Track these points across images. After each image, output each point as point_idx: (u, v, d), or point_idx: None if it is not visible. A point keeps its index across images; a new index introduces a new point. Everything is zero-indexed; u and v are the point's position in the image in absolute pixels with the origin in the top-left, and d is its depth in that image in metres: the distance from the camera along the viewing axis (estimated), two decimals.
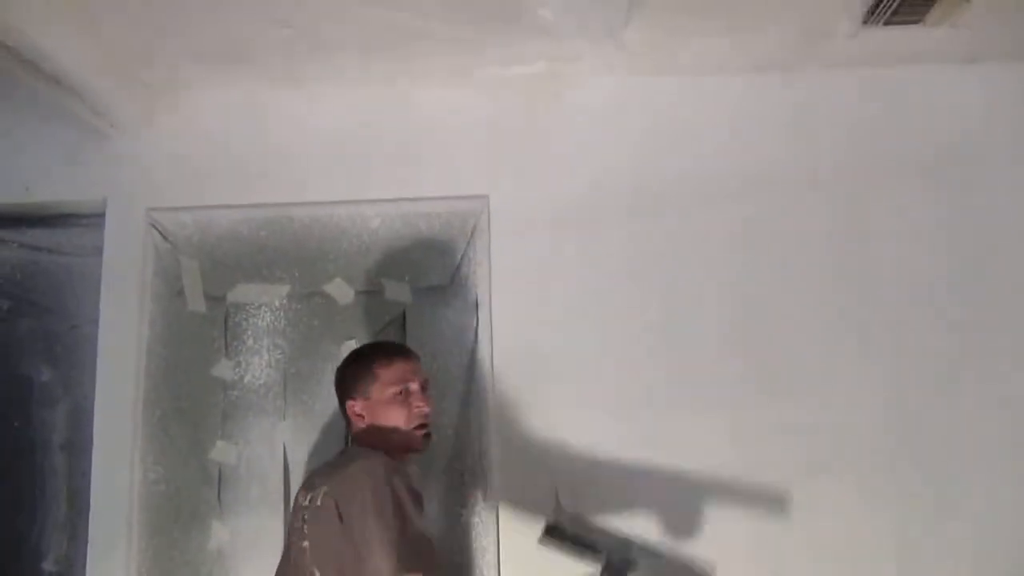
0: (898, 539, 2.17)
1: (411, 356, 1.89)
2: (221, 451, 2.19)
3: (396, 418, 1.80)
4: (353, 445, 1.89)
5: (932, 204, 2.34)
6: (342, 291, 2.28)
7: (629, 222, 2.32)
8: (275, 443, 2.21)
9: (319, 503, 1.65)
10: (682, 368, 2.24)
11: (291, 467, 2.20)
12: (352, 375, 1.87)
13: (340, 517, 1.60)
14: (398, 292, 2.28)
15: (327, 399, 2.22)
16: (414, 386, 1.83)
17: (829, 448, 2.21)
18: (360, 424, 1.84)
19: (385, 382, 1.81)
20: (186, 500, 2.17)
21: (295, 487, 2.18)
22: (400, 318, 2.28)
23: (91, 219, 2.35)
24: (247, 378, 2.24)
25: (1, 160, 2.37)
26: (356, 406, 1.84)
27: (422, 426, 1.81)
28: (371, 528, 1.56)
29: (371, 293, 2.29)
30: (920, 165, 2.35)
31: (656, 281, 2.29)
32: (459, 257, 2.31)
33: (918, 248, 2.32)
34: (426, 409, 1.82)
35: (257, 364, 2.25)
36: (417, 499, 1.66)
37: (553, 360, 2.23)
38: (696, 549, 2.15)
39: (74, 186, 2.35)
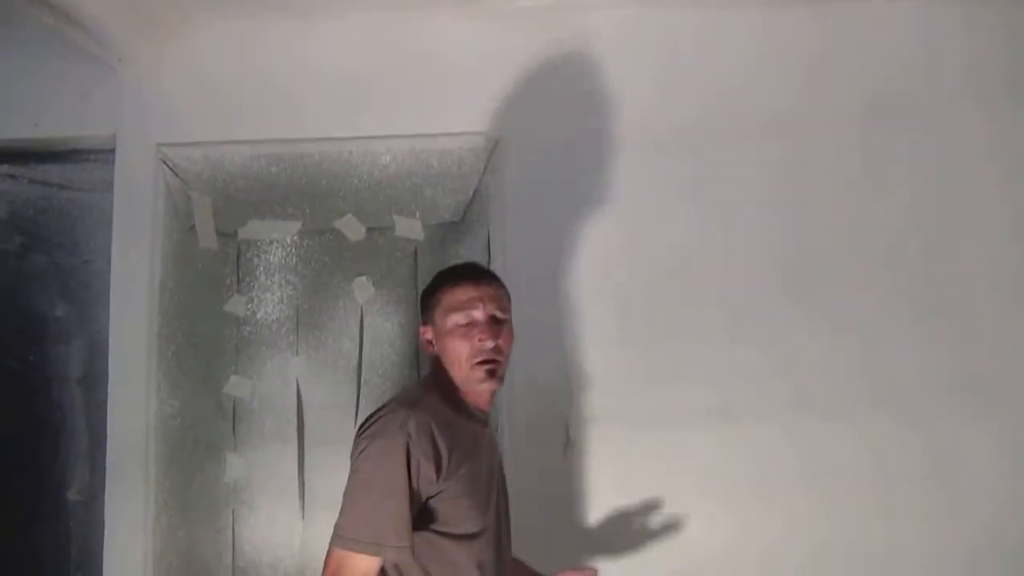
0: (941, 471, 2.19)
1: (483, 280, 1.65)
2: (235, 386, 2.22)
3: (456, 351, 1.60)
4: (427, 376, 1.73)
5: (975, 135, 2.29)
6: (353, 228, 2.27)
7: (643, 158, 2.28)
8: (288, 378, 2.23)
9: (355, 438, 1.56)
10: (695, 301, 2.24)
11: (304, 402, 2.22)
12: (424, 298, 1.70)
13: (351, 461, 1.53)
14: (409, 229, 2.27)
15: (339, 335, 2.24)
16: (478, 315, 1.60)
17: (872, 383, 2.21)
18: (432, 353, 1.67)
19: (447, 308, 1.62)
20: (202, 433, 2.21)
21: (308, 421, 2.21)
22: (412, 255, 2.27)
23: (101, 154, 2.34)
24: (259, 314, 2.25)
25: (10, 95, 2.34)
26: (427, 333, 1.68)
27: (485, 362, 1.58)
28: (357, 485, 1.49)
29: (382, 230, 2.28)
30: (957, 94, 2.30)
31: (674, 218, 2.26)
32: (471, 193, 2.28)
33: (961, 181, 2.28)
34: (489, 344, 1.58)
35: (269, 300, 2.26)
36: (457, 457, 1.51)
37: (565, 296, 2.22)
38: (736, 478, 2.18)
39: (83, 121, 2.32)
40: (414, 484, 1.46)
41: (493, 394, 1.69)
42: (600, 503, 2.17)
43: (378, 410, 1.57)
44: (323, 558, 2.14)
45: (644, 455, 2.18)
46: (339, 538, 1.45)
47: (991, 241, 2.26)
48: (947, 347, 2.23)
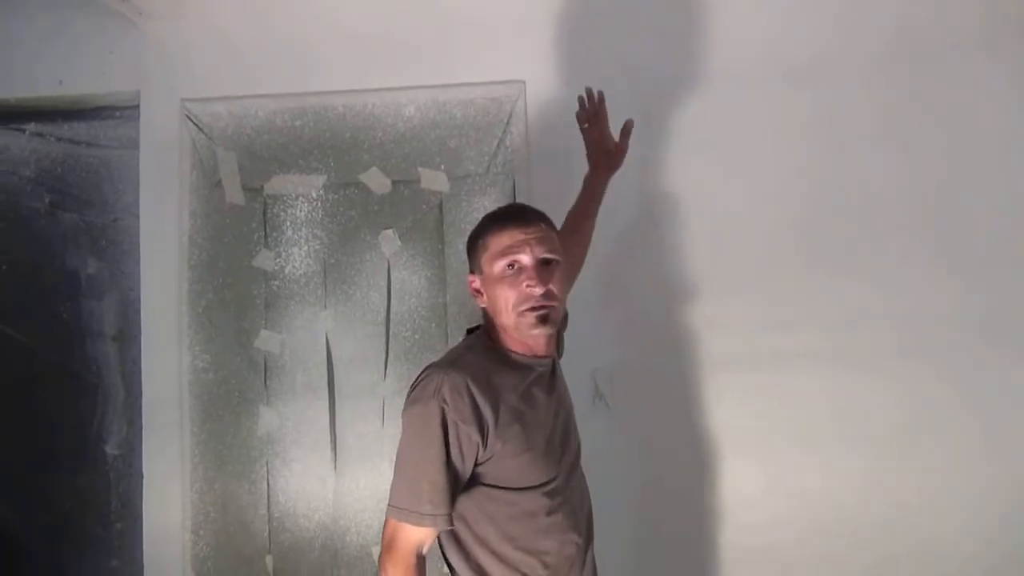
0: (984, 422, 2.16)
1: (530, 222, 1.53)
2: (265, 340, 2.23)
3: (504, 299, 1.50)
4: (477, 329, 1.64)
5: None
6: (378, 181, 2.26)
7: (665, 105, 2.24)
8: (317, 332, 2.24)
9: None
10: (724, 251, 2.21)
11: (334, 355, 2.23)
12: (469, 245, 1.60)
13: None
14: (434, 181, 2.25)
15: (366, 288, 2.24)
16: (525, 259, 1.49)
17: (914, 332, 2.18)
18: (481, 303, 1.57)
19: (493, 254, 1.51)
20: (234, 387, 2.23)
21: (338, 375, 2.23)
22: (437, 207, 2.26)
23: (126, 111, 2.35)
24: (287, 268, 2.26)
25: (35, 53, 2.34)
26: (474, 282, 1.58)
27: (534, 309, 1.48)
28: (400, 454, 1.46)
29: (407, 182, 2.26)
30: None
31: (700, 168, 2.22)
32: (495, 144, 2.25)
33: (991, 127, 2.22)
34: (538, 290, 1.47)
35: (297, 255, 2.26)
36: (506, 415, 1.45)
37: (591, 246, 2.20)
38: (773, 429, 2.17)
39: (107, 78, 2.32)
40: (454, 451, 1.42)
41: (551, 337, 1.58)
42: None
43: (420, 373, 1.51)
44: (356, 507, 2.20)
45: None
46: (390, 507, 1.44)
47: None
48: (980, 295, 2.18)
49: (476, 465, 1.46)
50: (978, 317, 2.18)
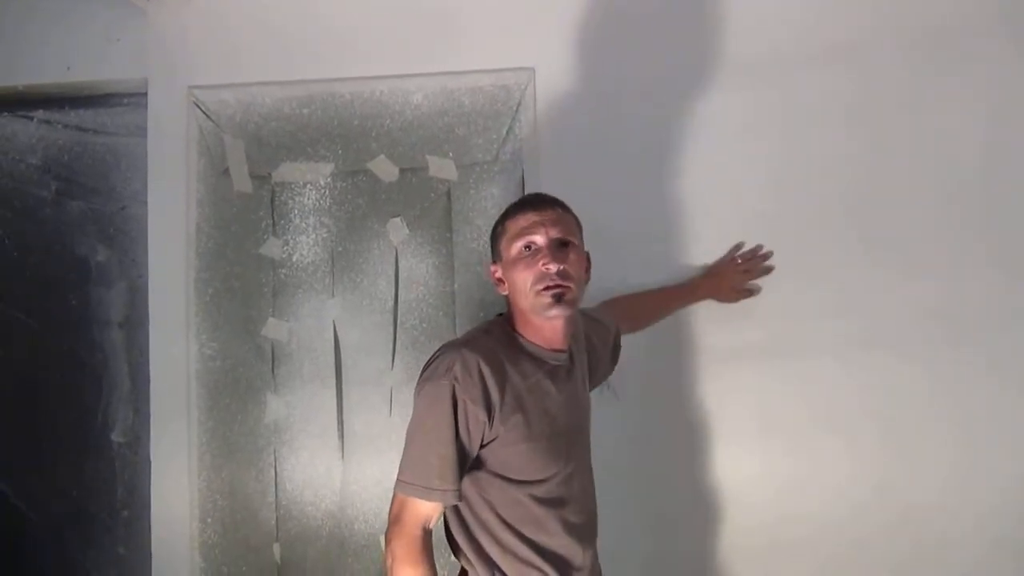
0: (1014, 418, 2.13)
1: (545, 205, 1.58)
2: (272, 328, 2.23)
3: (521, 280, 1.54)
4: (499, 315, 1.70)
5: None
6: (386, 169, 2.25)
7: (679, 95, 2.21)
8: (325, 320, 2.23)
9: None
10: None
11: (341, 343, 2.23)
12: (491, 234, 1.66)
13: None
14: (442, 169, 2.24)
15: (374, 276, 2.23)
16: (540, 239, 1.53)
17: (958, 324, 2.14)
18: (503, 291, 1.63)
19: (510, 237, 1.57)
20: (242, 375, 2.23)
21: (346, 363, 2.22)
22: (445, 195, 2.25)
23: (134, 98, 2.34)
24: (295, 256, 2.25)
25: (42, 39, 2.34)
26: (496, 271, 1.64)
27: (550, 288, 1.51)
28: (410, 429, 1.51)
29: (415, 170, 2.25)
30: None
31: (714, 155, 2.19)
32: (504, 132, 2.24)
33: None
34: (553, 267, 1.50)
35: (304, 243, 2.25)
36: (511, 401, 1.49)
37: (600, 236, 2.17)
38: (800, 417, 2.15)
39: (115, 65, 2.31)
40: (462, 428, 1.47)
41: (568, 324, 1.60)
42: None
43: (436, 351, 1.57)
44: (363, 496, 2.20)
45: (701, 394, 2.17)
46: (399, 482, 1.48)
47: None
48: (1011, 289, 2.15)
49: (481, 446, 1.50)
50: (1014, 310, 2.14)
